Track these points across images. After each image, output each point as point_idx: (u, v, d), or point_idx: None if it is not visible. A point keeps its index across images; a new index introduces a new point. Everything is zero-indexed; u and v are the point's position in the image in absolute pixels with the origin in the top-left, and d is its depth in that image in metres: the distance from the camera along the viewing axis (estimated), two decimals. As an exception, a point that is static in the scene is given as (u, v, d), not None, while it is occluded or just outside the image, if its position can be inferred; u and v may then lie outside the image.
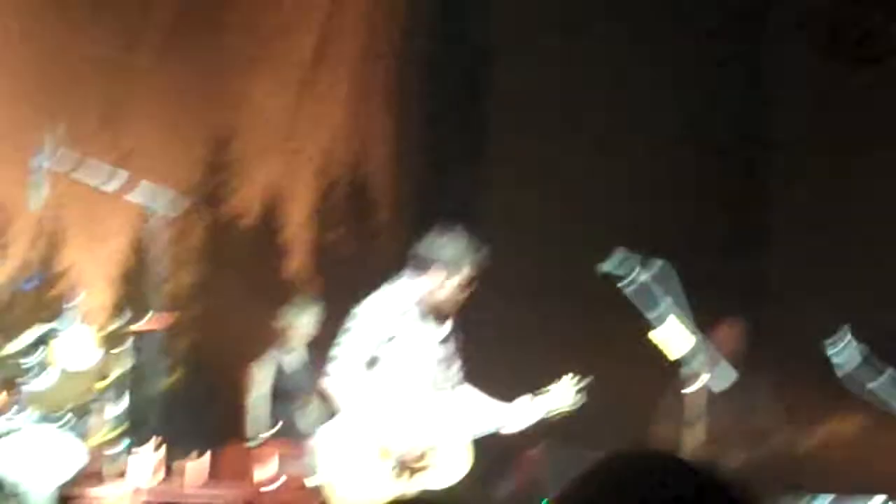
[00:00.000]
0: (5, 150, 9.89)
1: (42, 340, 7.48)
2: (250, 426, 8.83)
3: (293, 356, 9.14)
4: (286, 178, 11.28)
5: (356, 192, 11.46)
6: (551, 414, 6.32)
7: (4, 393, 7.52)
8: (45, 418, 7.49)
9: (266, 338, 9.19)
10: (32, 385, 7.35)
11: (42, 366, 7.39)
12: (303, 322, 9.12)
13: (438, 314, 6.33)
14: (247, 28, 11.21)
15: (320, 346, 8.96)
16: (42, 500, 7.14)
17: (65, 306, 7.91)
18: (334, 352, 6.21)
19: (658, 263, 6.27)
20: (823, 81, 11.02)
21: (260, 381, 8.95)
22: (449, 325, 6.40)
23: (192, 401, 10.01)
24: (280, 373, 9.04)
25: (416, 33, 11.70)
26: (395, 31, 11.70)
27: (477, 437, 6.28)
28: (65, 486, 7.08)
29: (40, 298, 9.56)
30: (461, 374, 6.44)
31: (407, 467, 6.14)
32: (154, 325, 7.22)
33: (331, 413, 6.27)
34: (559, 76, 11.03)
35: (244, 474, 7.84)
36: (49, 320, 7.81)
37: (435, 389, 6.33)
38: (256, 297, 9.96)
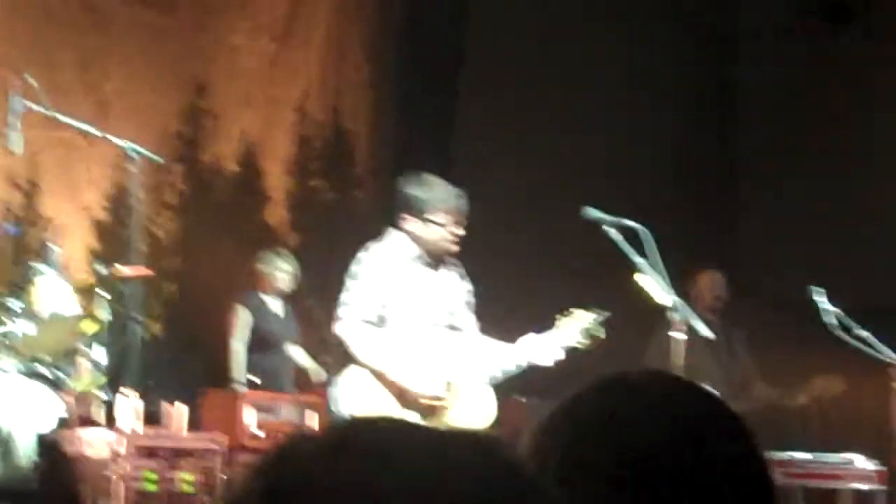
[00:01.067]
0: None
1: (23, 285, 7.47)
2: (231, 372, 8.85)
3: (272, 303, 9.16)
4: (264, 128, 11.26)
5: (334, 142, 11.45)
6: (574, 346, 6.29)
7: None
8: (28, 363, 7.50)
9: (246, 286, 9.20)
10: (15, 329, 7.35)
11: (24, 311, 7.38)
12: (281, 269, 9.13)
13: (439, 257, 6.31)
14: (224, -24, 11.19)
15: (298, 295, 9.02)
16: (25, 445, 7.15)
17: (45, 252, 7.90)
18: (343, 297, 6.16)
19: (632, 223, 6.28)
20: (798, 41, 11.08)
21: (240, 327, 8.96)
22: (453, 268, 6.38)
23: (174, 348, 10.03)
24: (260, 319, 9.05)
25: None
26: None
27: (495, 377, 6.25)
28: (48, 432, 7.10)
29: (20, 244, 9.53)
30: (472, 317, 6.41)
31: (427, 411, 6.11)
32: (135, 273, 7.21)
33: (344, 360, 6.22)
34: (537, 30, 11.05)
35: (226, 421, 7.86)
36: (30, 266, 7.80)
37: (445, 332, 6.28)
38: (236, 245, 9.97)
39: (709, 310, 8.46)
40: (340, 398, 6.09)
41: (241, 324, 8.94)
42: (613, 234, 6.22)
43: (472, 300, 6.43)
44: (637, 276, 6.28)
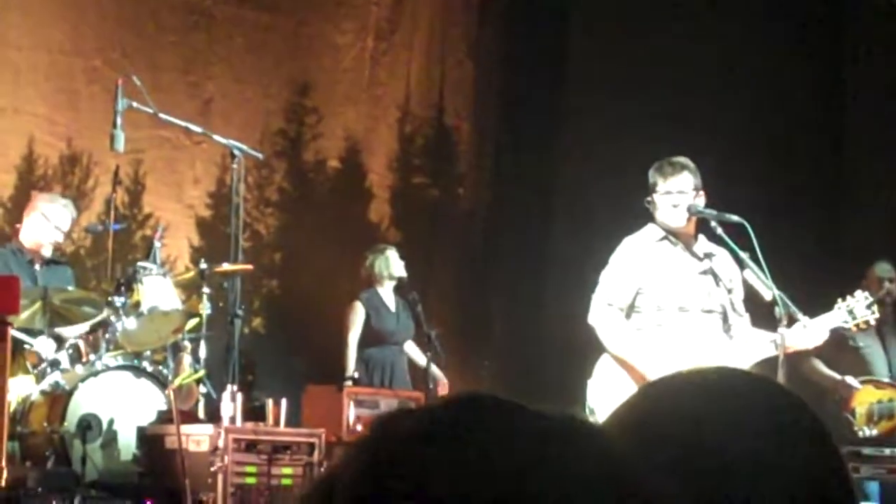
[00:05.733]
0: (89, 97, 9.98)
1: (129, 282, 7.55)
2: (345, 368, 8.82)
3: (388, 298, 9.12)
4: (367, 125, 11.29)
5: (437, 139, 11.45)
6: (840, 326, 6.13)
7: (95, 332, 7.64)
8: (130, 358, 7.59)
9: (347, 283, 9.19)
10: (120, 325, 7.44)
11: (129, 306, 7.47)
12: (384, 267, 9.09)
13: (688, 238, 6.13)
14: (327, -26, 11.24)
15: (402, 291, 8.99)
16: (126, 438, 7.23)
17: (150, 249, 7.99)
18: (598, 288, 6.06)
19: (734, 218, 6.16)
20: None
21: (355, 323, 8.92)
22: (715, 249, 6.18)
23: (275, 343, 10.09)
24: (375, 316, 9.01)
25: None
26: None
27: (753, 362, 5.99)
28: (151, 425, 7.17)
29: (126, 242, 9.65)
30: (735, 299, 6.20)
31: None
32: (236, 269, 7.25)
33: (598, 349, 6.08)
34: (640, 30, 10.90)
35: (327, 416, 7.86)
36: (134, 263, 7.90)
37: (699, 316, 6.08)
38: (337, 242, 9.99)
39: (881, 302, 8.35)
40: (590, 387, 6.01)
41: (357, 320, 8.91)
42: (718, 229, 6.12)
43: (739, 282, 6.18)
44: (745, 273, 6.16)
